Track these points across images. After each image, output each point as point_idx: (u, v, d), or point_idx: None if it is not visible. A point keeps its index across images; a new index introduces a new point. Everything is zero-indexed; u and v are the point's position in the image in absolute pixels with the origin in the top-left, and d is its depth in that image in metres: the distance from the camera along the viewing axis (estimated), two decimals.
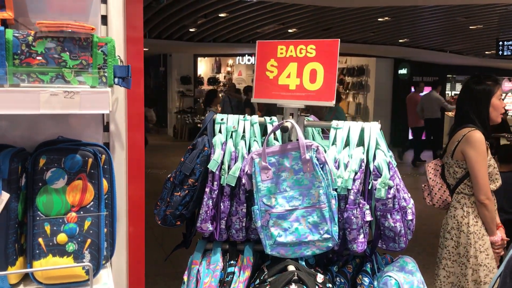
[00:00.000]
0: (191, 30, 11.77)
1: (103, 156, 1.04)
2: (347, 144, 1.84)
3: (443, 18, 9.79)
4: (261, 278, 1.75)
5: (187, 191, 1.83)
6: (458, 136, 2.80)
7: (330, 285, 1.71)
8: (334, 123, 1.86)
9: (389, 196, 1.72)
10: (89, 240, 1.00)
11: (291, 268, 1.67)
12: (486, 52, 14.12)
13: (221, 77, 18.21)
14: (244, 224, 1.84)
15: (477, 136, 2.71)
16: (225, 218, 1.84)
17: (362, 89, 15.12)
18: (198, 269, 1.84)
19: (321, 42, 1.90)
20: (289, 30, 11.56)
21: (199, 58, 17.37)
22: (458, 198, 2.83)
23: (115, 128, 1.13)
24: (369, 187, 1.76)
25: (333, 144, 1.84)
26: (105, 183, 1.04)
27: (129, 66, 1.01)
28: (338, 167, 1.77)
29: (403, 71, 14.47)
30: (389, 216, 1.74)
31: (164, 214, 1.85)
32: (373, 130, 1.82)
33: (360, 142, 1.84)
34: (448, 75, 16.80)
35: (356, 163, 1.75)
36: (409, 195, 1.82)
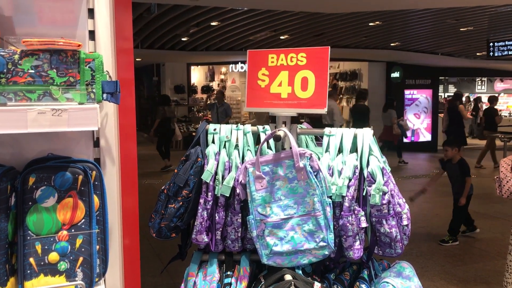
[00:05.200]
0: (183, 39, 11.79)
1: (94, 172, 1.03)
2: (340, 151, 1.84)
3: (433, 21, 9.85)
4: (252, 286, 1.74)
5: (181, 203, 1.82)
6: None
7: None
8: (327, 130, 1.86)
9: (384, 202, 1.72)
10: (81, 258, 0.99)
11: (288, 277, 1.66)
12: (478, 54, 14.20)
13: (214, 85, 18.23)
14: (239, 234, 1.83)
15: None
16: (221, 229, 1.83)
17: (355, 93, 15.16)
18: (194, 281, 1.83)
19: (312, 50, 1.90)
20: (281, 37, 11.60)
21: (192, 67, 17.38)
22: None
23: (106, 144, 1.12)
24: (364, 194, 1.75)
25: (326, 151, 1.84)
26: (96, 200, 1.03)
27: (117, 82, 1.01)
28: (332, 174, 1.77)
29: (395, 74, 14.54)
30: (384, 222, 1.74)
31: (159, 227, 1.84)
32: (366, 136, 1.82)
33: (354, 149, 1.84)
34: (440, 77, 16.88)
35: (350, 170, 1.75)
36: (404, 200, 1.82)
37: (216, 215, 1.82)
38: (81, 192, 1.01)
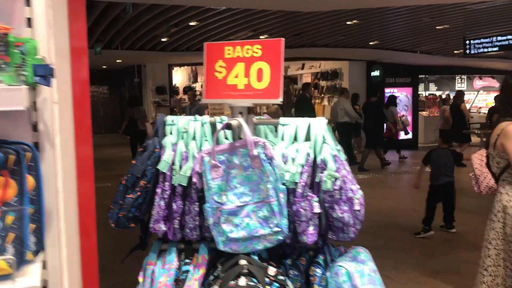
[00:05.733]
0: (163, 39, 11.78)
1: (28, 153, 1.06)
2: (296, 140, 1.89)
3: (409, 19, 10.00)
4: (215, 274, 1.78)
5: (139, 193, 1.85)
6: (498, 130, 2.91)
7: (282, 277, 1.74)
8: (282, 120, 1.91)
9: (336, 187, 1.77)
10: (12, 234, 1.02)
11: (242, 262, 1.70)
12: (455, 52, 14.41)
13: (198, 86, 18.21)
14: (197, 223, 1.87)
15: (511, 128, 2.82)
16: (179, 218, 1.86)
17: (336, 92, 15.28)
18: (153, 269, 1.86)
19: (266, 42, 1.95)
20: (261, 37, 11.66)
21: (175, 68, 17.36)
22: (503, 185, 2.96)
23: (44, 128, 1.15)
24: (317, 180, 1.80)
25: (281, 140, 1.88)
26: (31, 180, 1.06)
27: (49, 65, 1.04)
28: (286, 162, 1.81)
29: (375, 73, 14.69)
30: (336, 207, 1.79)
31: (117, 217, 1.87)
32: (320, 125, 1.87)
33: (309, 138, 1.89)
34: (420, 76, 17.08)
35: (302, 157, 1.79)
36: (358, 187, 1.87)
37: (173, 204, 1.85)
38: (13, 171, 1.03)
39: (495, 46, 10.65)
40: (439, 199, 5.93)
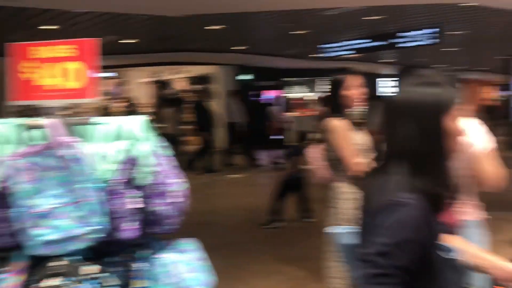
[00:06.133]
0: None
1: None
2: (116, 138, 1.91)
3: (271, 24, 10.49)
4: (30, 279, 1.73)
5: None
6: (325, 126, 3.27)
7: (101, 274, 1.76)
8: (95, 119, 1.91)
9: (152, 182, 1.83)
10: None
11: (51, 264, 1.68)
12: (313, 55, 15.22)
13: None
14: (10, 229, 1.79)
15: (333, 123, 3.20)
16: None
17: (208, 97, 15.42)
18: None
19: (82, 42, 1.95)
20: (130, 41, 11.41)
21: None
22: (335, 173, 3.27)
23: None
24: (133, 176, 1.84)
25: (95, 139, 1.89)
26: None
27: None
28: (101, 160, 1.82)
29: (245, 77, 15.13)
30: (153, 201, 1.84)
31: None
32: (139, 123, 1.91)
33: (130, 136, 1.92)
34: (287, 78, 17.85)
35: (119, 155, 1.82)
36: (179, 180, 1.93)
37: None
38: None
39: (347, 50, 11.66)
40: (286, 191, 6.38)
